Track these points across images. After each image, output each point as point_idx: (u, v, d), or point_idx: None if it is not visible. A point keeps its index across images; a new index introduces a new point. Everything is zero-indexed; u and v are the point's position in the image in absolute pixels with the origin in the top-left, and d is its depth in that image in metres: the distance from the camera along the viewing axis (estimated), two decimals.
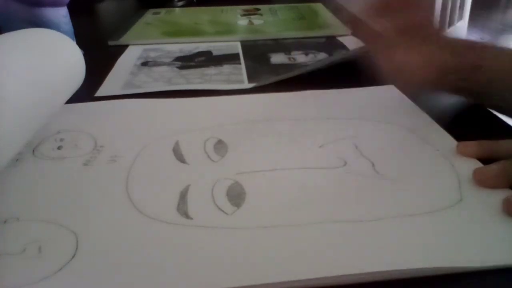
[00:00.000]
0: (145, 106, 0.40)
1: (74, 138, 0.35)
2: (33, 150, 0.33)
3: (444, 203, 0.26)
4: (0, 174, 0.29)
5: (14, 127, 0.29)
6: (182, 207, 0.26)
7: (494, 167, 0.28)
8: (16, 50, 0.33)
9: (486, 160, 0.30)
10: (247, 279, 0.21)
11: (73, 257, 0.22)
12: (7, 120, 0.28)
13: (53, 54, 0.37)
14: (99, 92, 0.44)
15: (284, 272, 0.21)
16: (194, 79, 0.47)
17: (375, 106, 0.39)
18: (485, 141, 0.31)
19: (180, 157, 0.32)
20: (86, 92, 0.43)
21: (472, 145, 0.31)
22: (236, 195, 0.27)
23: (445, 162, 0.30)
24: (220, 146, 0.33)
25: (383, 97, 0.41)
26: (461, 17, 2.64)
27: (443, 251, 0.22)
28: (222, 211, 0.26)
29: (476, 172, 0.28)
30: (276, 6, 0.85)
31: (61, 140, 0.34)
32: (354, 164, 0.30)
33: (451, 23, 2.53)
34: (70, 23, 0.57)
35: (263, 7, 0.84)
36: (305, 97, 0.42)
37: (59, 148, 0.33)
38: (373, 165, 0.30)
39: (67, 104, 0.39)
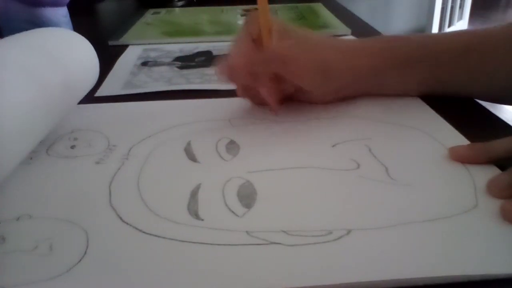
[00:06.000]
0: (158, 107, 0.40)
1: (88, 138, 0.35)
2: (47, 149, 0.33)
3: (459, 208, 0.25)
4: (14, 172, 0.29)
5: (27, 126, 0.29)
6: (192, 207, 0.26)
7: (505, 177, 0.27)
8: (30, 49, 0.33)
9: (500, 164, 0.29)
10: (255, 284, 0.21)
11: (84, 255, 0.22)
12: (21, 120, 0.28)
13: (68, 53, 0.37)
14: (99, 92, 0.44)
15: (292, 278, 0.21)
16: (194, 79, 0.47)
17: (388, 106, 0.38)
18: (476, 143, 0.31)
19: (192, 157, 0.32)
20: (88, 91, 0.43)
21: (463, 150, 0.31)
22: (247, 195, 0.27)
23: (461, 167, 0.29)
24: (232, 146, 0.33)
25: (397, 98, 0.40)
26: (461, 17, 2.64)
27: (458, 257, 0.22)
28: (233, 212, 0.26)
29: (488, 185, 0.27)
30: (276, 6, 0.85)
31: (75, 139, 0.35)
32: (367, 168, 0.30)
33: (451, 23, 2.53)
34: (70, 23, 0.57)
35: None
36: None
37: (72, 147, 0.34)
38: (386, 169, 0.29)
39: (80, 105, 0.40)
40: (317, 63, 0.36)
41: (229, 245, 0.23)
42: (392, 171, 0.29)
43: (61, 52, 0.36)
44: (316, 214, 0.25)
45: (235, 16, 0.77)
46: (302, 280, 0.21)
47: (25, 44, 0.34)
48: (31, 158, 0.32)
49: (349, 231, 0.24)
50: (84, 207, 0.26)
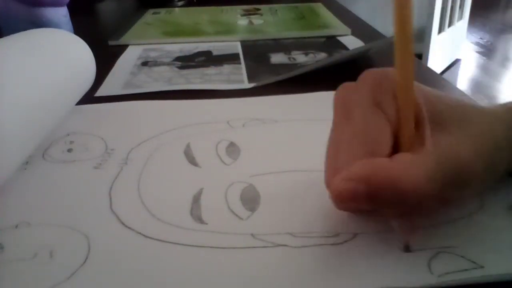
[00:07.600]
0: (156, 108, 0.40)
1: (85, 141, 0.34)
2: (43, 154, 0.33)
3: (465, 211, 0.25)
4: (10, 178, 0.29)
5: (24, 131, 0.29)
6: (195, 212, 0.26)
7: None
8: (25, 51, 0.33)
9: None
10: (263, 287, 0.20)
11: (85, 261, 0.22)
12: (17, 124, 0.28)
13: (63, 54, 0.36)
14: (99, 92, 0.44)
15: (300, 280, 0.21)
16: (194, 79, 0.47)
17: None
18: None
19: (192, 160, 0.31)
20: (86, 92, 0.43)
21: None
22: (250, 199, 0.27)
23: None
24: (232, 149, 0.32)
25: None
26: (461, 17, 2.64)
27: (465, 260, 0.22)
28: (237, 215, 0.25)
29: None
30: (276, 6, 0.85)
31: (71, 142, 0.34)
32: None
33: (451, 23, 2.53)
34: (70, 23, 0.57)
35: (263, 7, 0.84)
36: (317, 98, 0.41)
37: (69, 151, 0.33)
38: None
39: (76, 106, 0.39)
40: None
41: (235, 248, 0.23)
42: None
43: (57, 54, 0.35)
44: (322, 216, 0.25)
45: (235, 16, 0.77)
46: (310, 282, 0.20)
47: (19, 46, 0.33)
48: (26, 163, 0.31)
49: (355, 235, 0.24)
50: (84, 212, 0.26)
